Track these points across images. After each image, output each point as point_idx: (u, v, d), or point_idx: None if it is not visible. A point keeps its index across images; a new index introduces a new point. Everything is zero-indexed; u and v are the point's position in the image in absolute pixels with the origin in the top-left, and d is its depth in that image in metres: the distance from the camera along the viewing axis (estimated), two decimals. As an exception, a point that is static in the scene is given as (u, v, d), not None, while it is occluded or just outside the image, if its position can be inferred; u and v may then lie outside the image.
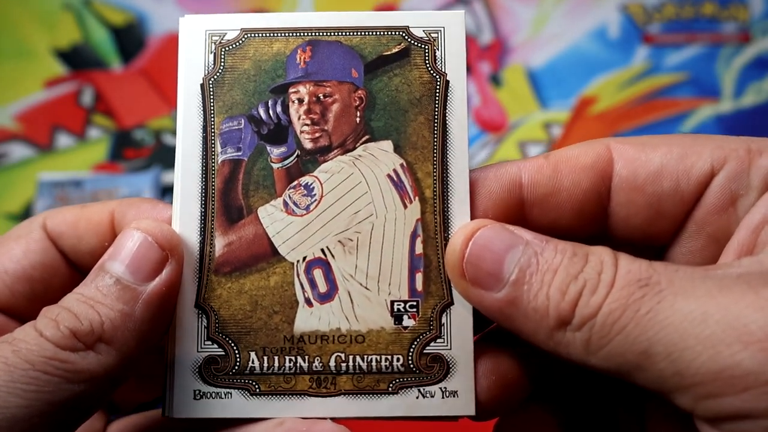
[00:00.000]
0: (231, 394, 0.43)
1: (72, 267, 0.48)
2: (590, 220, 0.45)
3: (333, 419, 0.42)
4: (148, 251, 0.42)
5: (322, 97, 0.44)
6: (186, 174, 0.44)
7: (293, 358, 0.43)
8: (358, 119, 0.44)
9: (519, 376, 0.44)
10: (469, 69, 1.18)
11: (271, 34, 0.45)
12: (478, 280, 0.40)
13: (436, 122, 0.44)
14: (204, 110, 0.44)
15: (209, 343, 0.43)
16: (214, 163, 0.44)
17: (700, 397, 0.34)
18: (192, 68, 0.44)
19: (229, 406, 0.43)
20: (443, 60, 0.44)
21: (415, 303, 0.43)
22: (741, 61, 1.17)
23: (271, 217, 0.43)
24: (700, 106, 1.15)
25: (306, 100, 0.44)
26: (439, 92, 0.44)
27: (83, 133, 1.15)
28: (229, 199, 0.44)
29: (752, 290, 0.34)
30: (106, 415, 0.52)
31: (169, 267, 0.42)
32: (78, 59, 1.19)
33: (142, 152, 1.12)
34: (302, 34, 0.45)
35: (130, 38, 1.20)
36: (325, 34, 0.45)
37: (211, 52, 0.45)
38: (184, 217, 0.44)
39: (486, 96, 1.17)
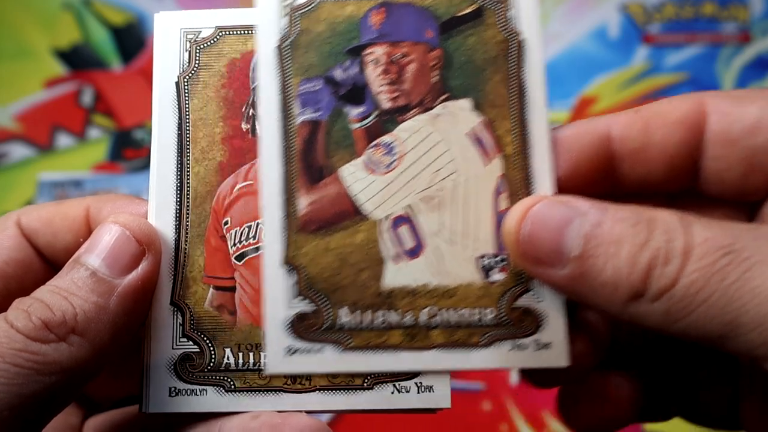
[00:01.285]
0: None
1: (47, 264, 0.47)
2: (682, 174, 0.44)
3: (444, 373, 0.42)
4: (125, 245, 0.41)
5: (398, 57, 0.44)
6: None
7: (385, 312, 0.42)
8: (435, 79, 0.44)
9: (607, 330, 0.44)
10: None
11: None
12: (539, 259, 0.39)
13: (512, 81, 0.44)
14: (282, 72, 0.43)
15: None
16: (291, 123, 0.43)
17: None
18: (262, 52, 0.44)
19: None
20: (517, 19, 0.44)
21: (503, 257, 0.43)
22: (741, 61, 1.16)
23: (353, 176, 0.43)
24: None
25: (383, 60, 0.44)
26: (513, 51, 0.44)
27: (83, 133, 1.15)
28: (310, 159, 0.43)
29: None
30: (84, 410, 0.52)
31: (146, 261, 0.42)
32: (78, 59, 1.19)
33: (142, 152, 1.12)
34: None
35: (130, 38, 1.20)
36: None
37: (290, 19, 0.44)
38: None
39: (486, 96, 1.17)
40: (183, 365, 0.43)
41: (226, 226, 0.44)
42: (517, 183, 0.43)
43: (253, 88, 0.44)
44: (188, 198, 0.44)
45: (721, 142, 0.42)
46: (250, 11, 0.45)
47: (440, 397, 0.42)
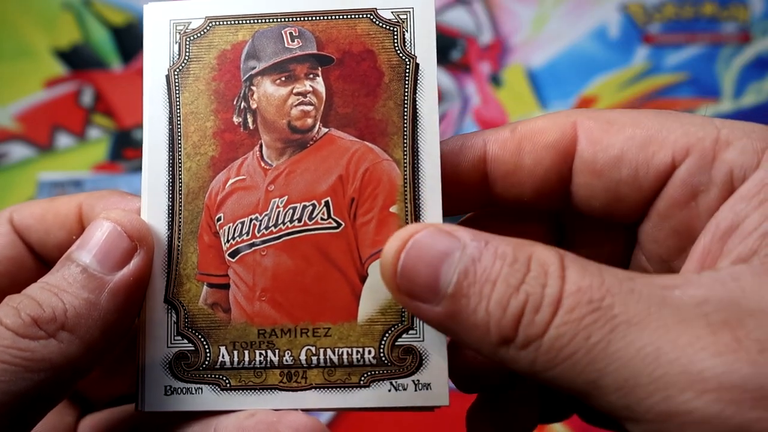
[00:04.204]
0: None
1: (39, 261, 0.47)
2: (552, 197, 0.44)
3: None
4: (116, 241, 0.41)
5: None
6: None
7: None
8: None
9: (492, 366, 0.44)
10: (469, 69, 1.17)
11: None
12: (414, 293, 0.37)
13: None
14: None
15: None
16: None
17: None
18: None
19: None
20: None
21: None
22: (741, 61, 1.16)
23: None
24: (700, 106, 1.14)
25: None
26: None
27: (83, 133, 1.15)
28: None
29: (710, 330, 0.32)
30: (79, 409, 0.52)
31: (138, 257, 0.41)
32: (78, 59, 1.19)
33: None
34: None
35: (130, 38, 1.20)
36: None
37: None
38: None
39: (486, 96, 1.17)
40: (178, 363, 0.42)
41: (219, 222, 0.43)
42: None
43: (244, 80, 0.44)
44: (180, 194, 0.43)
45: (587, 171, 0.42)
46: (238, 1, 0.45)
47: (438, 395, 0.42)
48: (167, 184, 0.43)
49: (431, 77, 0.43)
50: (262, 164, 0.43)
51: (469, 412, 0.49)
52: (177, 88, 0.44)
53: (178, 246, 0.43)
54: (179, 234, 0.43)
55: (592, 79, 1.17)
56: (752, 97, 1.14)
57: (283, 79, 0.44)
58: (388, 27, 0.44)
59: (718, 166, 0.39)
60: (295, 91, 0.44)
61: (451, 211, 0.44)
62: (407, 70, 0.44)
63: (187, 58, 0.44)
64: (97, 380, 0.52)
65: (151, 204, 0.43)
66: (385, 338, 0.42)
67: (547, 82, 1.17)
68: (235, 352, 0.42)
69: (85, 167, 1.14)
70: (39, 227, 0.47)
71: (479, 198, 0.45)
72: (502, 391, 0.48)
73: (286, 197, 0.43)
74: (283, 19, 0.44)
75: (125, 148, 1.14)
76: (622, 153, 0.41)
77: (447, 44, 1.18)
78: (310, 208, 0.43)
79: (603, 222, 0.45)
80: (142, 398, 0.42)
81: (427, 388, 0.42)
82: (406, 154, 0.43)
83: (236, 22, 0.44)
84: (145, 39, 0.45)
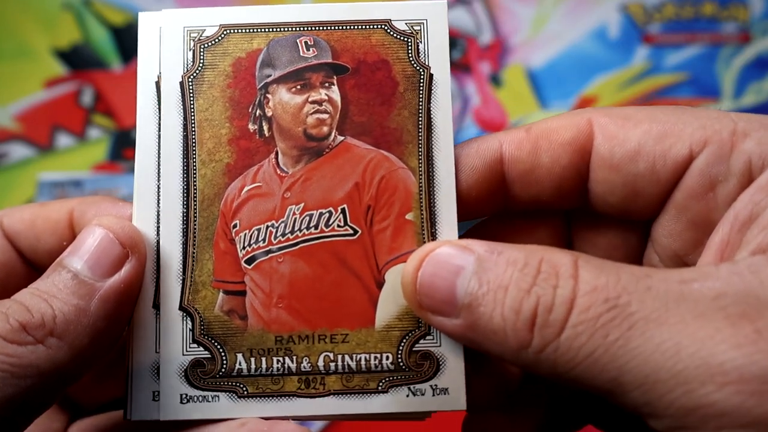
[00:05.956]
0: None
1: (30, 267, 0.47)
2: (570, 195, 0.44)
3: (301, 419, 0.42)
4: (108, 247, 0.41)
5: None
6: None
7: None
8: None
9: (508, 371, 0.44)
10: (469, 69, 1.17)
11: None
12: (434, 309, 0.39)
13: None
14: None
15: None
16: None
17: (674, 428, 0.33)
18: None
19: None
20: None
21: None
22: (741, 61, 1.16)
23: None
24: (700, 106, 1.14)
25: None
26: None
27: (83, 133, 1.15)
28: None
29: (729, 322, 0.33)
30: (68, 414, 0.52)
31: (129, 264, 0.41)
32: (78, 59, 1.19)
33: (142, 152, 1.12)
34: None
35: (130, 38, 1.20)
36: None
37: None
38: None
39: (486, 96, 1.17)
40: (194, 371, 0.42)
41: (235, 229, 0.43)
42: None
43: (260, 88, 0.44)
44: (195, 201, 0.43)
45: (604, 166, 0.42)
46: (255, 9, 0.45)
47: (456, 399, 0.42)
48: (182, 190, 0.43)
49: (445, 87, 0.44)
50: (278, 171, 0.44)
51: (464, 424, 0.48)
52: (191, 94, 0.44)
53: (194, 253, 0.43)
54: (194, 241, 0.43)
55: (592, 79, 1.17)
56: (752, 97, 1.14)
57: (299, 87, 0.44)
58: (402, 38, 0.44)
59: (737, 157, 0.40)
60: (310, 99, 0.44)
61: (467, 216, 0.44)
62: (421, 80, 0.44)
63: (201, 65, 0.44)
64: (88, 385, 0.52)
65: (165, 210, 0.43)
66: (402, 344, 0.42)
67: (547, 82, 1.17)
68: (253, 359, 0.42)
69: (85, 167, 1.13)
70: (29, 233, 0.47)
71: (496, 201, 0.45)
72: (506, 402, 0.48)
73: (302, 204, 0.43)
74: (298, 28, 0.44)
75: (125, 148, 1.14)
76: (639, 146, 0.41)
77: (447, 44, 1.18)
78: (327, 215, 0.43)
79: (614, 224, 0.45)
80: (130, 406, 0.42)
81: (444, 393, 0.42)
82: (421, 163, 0.43)
83: (251, 30, 0.45)
84: (139, 46, 0.46)
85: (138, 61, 0.45)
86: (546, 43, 1.19)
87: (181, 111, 0.44)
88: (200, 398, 0.42)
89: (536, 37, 1.19)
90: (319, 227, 0.43)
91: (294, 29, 0.44)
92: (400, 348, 0.42)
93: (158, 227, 0.43)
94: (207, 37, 0.45)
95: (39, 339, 0.38)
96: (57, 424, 0.51)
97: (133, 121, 1.12)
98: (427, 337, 0.42)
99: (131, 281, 0.41)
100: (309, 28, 0.44)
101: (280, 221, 0.43)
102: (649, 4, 1.19)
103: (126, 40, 1.20)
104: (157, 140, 0.45)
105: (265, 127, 0.44)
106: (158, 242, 0.43)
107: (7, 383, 0.37)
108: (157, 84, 0.45)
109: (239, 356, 0.43)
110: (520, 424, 0.47)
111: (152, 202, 0.44)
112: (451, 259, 0.38)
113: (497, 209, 0.46)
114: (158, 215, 0.43)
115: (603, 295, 0.34)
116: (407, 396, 0.42)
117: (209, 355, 0.42)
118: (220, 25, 0.45)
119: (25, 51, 1.19)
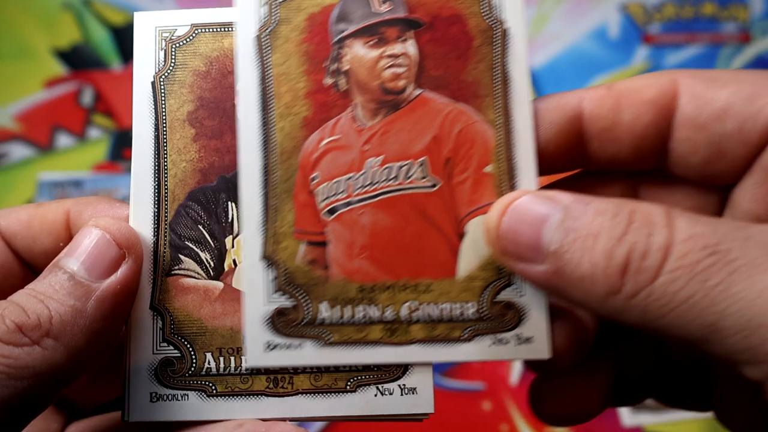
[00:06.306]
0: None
1: (26, 268, 0.47)
2: (649, 155, 0.43)
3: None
4: (105, 248, 0.41)
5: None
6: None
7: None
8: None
9: (590, 322, 0.44)
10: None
11: None
12: (518, 254, 0.39)
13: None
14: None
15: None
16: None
17: None
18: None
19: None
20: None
21: None
22: (741, 61, 1.18)
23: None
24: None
25: None
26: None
27: (83, 133, 1.14)
28: None
29: None
30: (65, 416, 0.51)
31: (126, 265, 0.41)
32: (78, 59, 1.18)
33: (143, 152, 1.11)
34: None
35: (130, 38, 1.19)
36: None
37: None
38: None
39: (486, 97, 1.17)
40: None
41: (314, 182, 0.43)
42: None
43: (334, 42, 0.44)
44: (275, 153, 0.43)
45: (689, 125, 0.41)
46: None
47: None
48: (261, 143, 0.43)
49: (521, 41, 0.44)
50: (356, 124, 0.44)
51: (532, 386, 0.48)
52: (267, 49, 0.44)
53: (274, 204, 0.43)
54: (274, 193, 0.43)
55: (592, 79, 1.18)
56: (753, 95, 1.16)
57: (375, 41, 0.44)
58: None
59: None
60: (386, 53, 0.44)
61: (543, 171, 0.44)
62: (496, 35, 0.44)
63: (276, 20, 0.44)
64: (85, 386, 0.51)
65: (244, 165, 0.43)
66: (485, 294, 0.42)
67: (547, 82, 1.18)
68: (336, 308, 0.42)
69: (85, 167, 1.13)
70: (26, 233, 0.46)
71: (573, 157, 0.45)
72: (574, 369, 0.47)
73: (381, 156, 0.43)
74: None
75: (125, 148, 1.14)
76: (727, 106, 0.40)
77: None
78: (406, 167, 0.43)
79: (688, 188, 0.44)
80: (129, 407, 0.43)
81: (528, 342, 0.42)
82: (498, 116, 0.43)
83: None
84: (135, 45, 0.47)
85: (134, 60, 0.46)
86: (546, 43, 1.20)
87: (258, 66, 0.44)
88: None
89: (536, 37, 1.20)
90: (399, 179, 0.43)
91: None
92: (483, 298, 0.42)
93: (265, 180, 0.43)
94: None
95: (35, 340, 0.38)
96: (54, 425, 0.50)
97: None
98: (510, 287, 0.42)
99: (128, 282, 0.41)
100: None
101: (359, 173, 0.43)
102: (649, 4, 1.20)
103: (126, 40, 1.19)
104: (154, 140, 0.45)
105: (342, 81, 0.44)
106: (156, 242, 0.43)
107: (3, 385, 0.36)
108: (153, 84, 0.46)
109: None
110: (586, 392, 0.47)
111: (149, 202, 0.44)
112: (537, 206, 0.38)
113: (574, 166, 0.46)
114: (156, 215, 0.44)
115: (701, 242, 0.34)
116: (490, 345, 0.42)
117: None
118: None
119: (25, 51, 1.18)
